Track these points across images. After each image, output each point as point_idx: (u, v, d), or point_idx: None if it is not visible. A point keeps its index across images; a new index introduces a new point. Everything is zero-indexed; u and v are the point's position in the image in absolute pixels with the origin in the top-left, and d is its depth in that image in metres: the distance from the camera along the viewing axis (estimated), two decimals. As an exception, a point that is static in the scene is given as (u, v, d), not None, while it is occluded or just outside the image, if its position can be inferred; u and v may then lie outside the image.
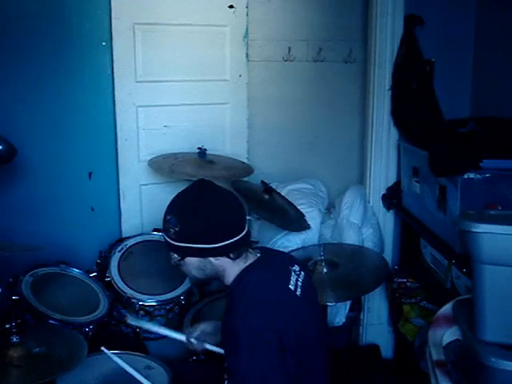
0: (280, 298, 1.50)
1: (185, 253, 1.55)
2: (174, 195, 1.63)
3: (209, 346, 1.84)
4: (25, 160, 2.45)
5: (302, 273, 1.63)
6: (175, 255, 1.58)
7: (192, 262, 1.56)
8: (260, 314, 1.42)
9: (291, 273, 1.59)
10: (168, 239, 1.56)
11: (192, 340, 1.85)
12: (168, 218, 1.55)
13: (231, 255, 1.54)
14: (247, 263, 1.57)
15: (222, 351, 1.78)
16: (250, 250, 1.60)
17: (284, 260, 1.69)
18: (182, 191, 1.63)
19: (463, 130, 2.35)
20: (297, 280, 1.58)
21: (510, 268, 1.51)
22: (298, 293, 1.55)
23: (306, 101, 3.14)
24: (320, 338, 1.59)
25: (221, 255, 1.53)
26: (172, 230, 1.53)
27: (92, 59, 2.63)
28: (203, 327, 1.87)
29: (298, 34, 3.06)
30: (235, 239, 1.53)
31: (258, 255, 1.60)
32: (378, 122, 2.84)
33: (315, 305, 1.68)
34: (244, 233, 1.56)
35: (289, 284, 1.55)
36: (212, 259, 1.54)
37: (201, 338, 1.85)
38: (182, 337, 1.90)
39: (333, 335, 2.71)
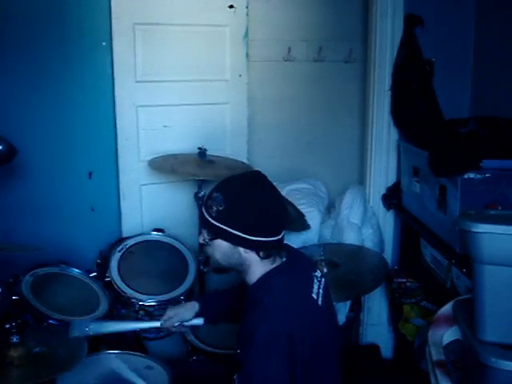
0: (301, 308, 1.49)
1: (219, 234, 1.51)
2: (228, 176, 1.60)
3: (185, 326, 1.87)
4: (25, 160, 2.45)
5: (323, 279, 1.63)
6: (206, 234, 1.55)
7: (222, 246, 1.53)
8: (279, 321, 1.42)
9: (314, 279, 1.59)
10: (207, 216, 1.52)
11: (170, 327, 1.85)
12: (215, 195, 1.51)
13: (261, 253, 1.52)
14: (273, 266, 1.56)
15: (198, 322, 1.83)
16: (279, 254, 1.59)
17: (307, 265, 1.67)
18: (237, 175, 1.60)
19: (463, 129, 2.35)
20: (318, 287, 1.57)
21: (510, 268, 1.51)
22: (320, 302, 1.55)
23: (306, 101, 3.15)
24: (336, 347, 1.59)
25: (252, 249, 1.51)
26: (215, 208, 1.49)
27: (92, 59, 2.64)
28: (172, 313, 1.85)
29: (298, 34, 3.07)
30: (271, 239, 1.51)
31: (284, 259, 1.58)
32: (378, 121, 2.84)
33: (333, 313, 1.67)
34: (280, 237, 1.54)
35: (312, 292, 1.54)
36: (242, 250, 1.51)
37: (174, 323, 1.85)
38: (156, 324, 1.89)
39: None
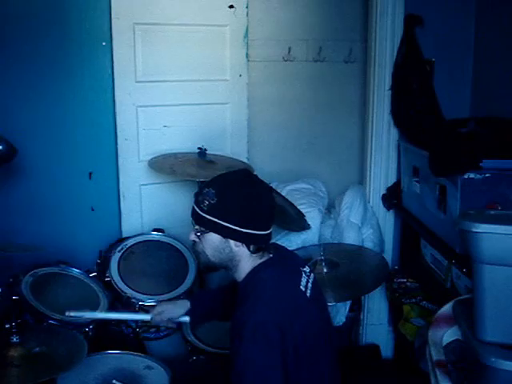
0: (290, 298, 1.52)
1: (211, 227, 1.54)
2: (218, 174, 1.64)
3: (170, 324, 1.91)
4: (25, 160, 2.45)
5: (312, 274, 1.65)
6: (198, 228, 1.57)
7: (213, 240, 1.55)
8: (267, 311, 1.44)
9: (302, 274, 1.61)
10: (198, 210, 1.55)
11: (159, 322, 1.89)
12: (206, 190, 1.54)
13: (251, 247, 1.55)
14: (261, 261, 1.58)
15: (185, 319, 1.87)
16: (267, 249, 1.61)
17: (295, 261, 1.71)
18: (227, 173, 1.65)
19: (463, 129, 2.35)
20: (307, 281, 1.60)
21: (510, 268, 1.51)
22: (308, 294, 1.57)
23: (306, 101, 3.15)
24: (328, 339, 1.60)
25: (243, 242, 1.54)
26: (207, 202, 1.52)
27: (92, 59, 2.64)
28: (163, 309, 1.88)
29: (298, 34, 3.06)
30: (261, 233, 1.55)
31: (271, 255, 1.61)
32: (378, 121, 2.84)
33: (324, 307, 1.69)
34: (269, 231, 1.58)
35: (300, 285, 1.57)
36: (233, 244, 1.54)
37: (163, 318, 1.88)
38: (146, 317, 1.91)
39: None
